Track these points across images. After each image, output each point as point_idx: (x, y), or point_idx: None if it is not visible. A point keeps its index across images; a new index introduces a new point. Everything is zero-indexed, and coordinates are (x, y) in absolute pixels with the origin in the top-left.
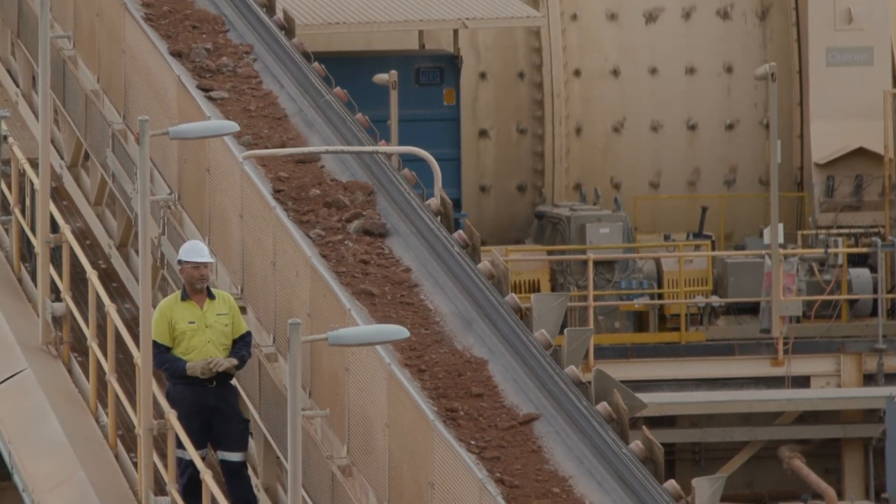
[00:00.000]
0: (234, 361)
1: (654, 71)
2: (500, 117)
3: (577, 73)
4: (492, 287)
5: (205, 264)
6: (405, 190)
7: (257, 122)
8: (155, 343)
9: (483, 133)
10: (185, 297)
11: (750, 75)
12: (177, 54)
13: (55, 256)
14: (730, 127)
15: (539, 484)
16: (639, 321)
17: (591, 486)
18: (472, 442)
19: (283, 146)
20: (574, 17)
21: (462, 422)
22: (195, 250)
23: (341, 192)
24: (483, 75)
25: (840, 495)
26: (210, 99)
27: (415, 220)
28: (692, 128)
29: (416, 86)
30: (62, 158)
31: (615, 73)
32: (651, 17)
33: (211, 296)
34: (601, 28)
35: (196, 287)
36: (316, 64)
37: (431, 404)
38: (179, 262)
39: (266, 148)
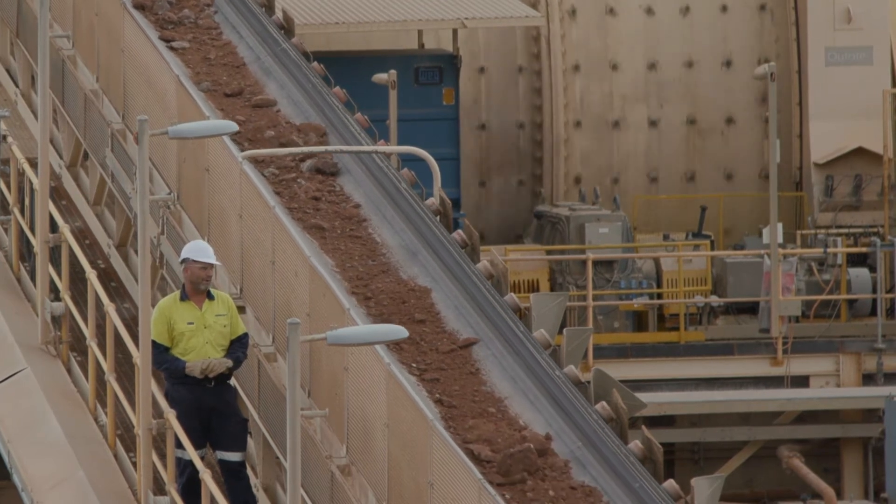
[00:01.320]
0: (229, 363)
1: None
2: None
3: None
4: (437, 221)
5: (211, 265)
6: (357, 132)
7: (216, 69)
8: (154, 343)
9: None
10: (184, 298)
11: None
12: (140, 7)
13: (54, 256)
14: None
15: (476, 404)
16: (638, 321)
17: (524, 405)
18: (414, 365)
19: (241, 92)
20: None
21: (404, 346)
22: (203, 250)
23: (295, 134)
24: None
25: (839, 495)
26: (171, 49)
27: (365, 159)
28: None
29: (415, 85)
30: (61, 158)
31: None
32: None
33: (210, 296)
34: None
35: (199, 287)
36: (315, 64)
37: None
38: (185, 260)
39: (223, 94)
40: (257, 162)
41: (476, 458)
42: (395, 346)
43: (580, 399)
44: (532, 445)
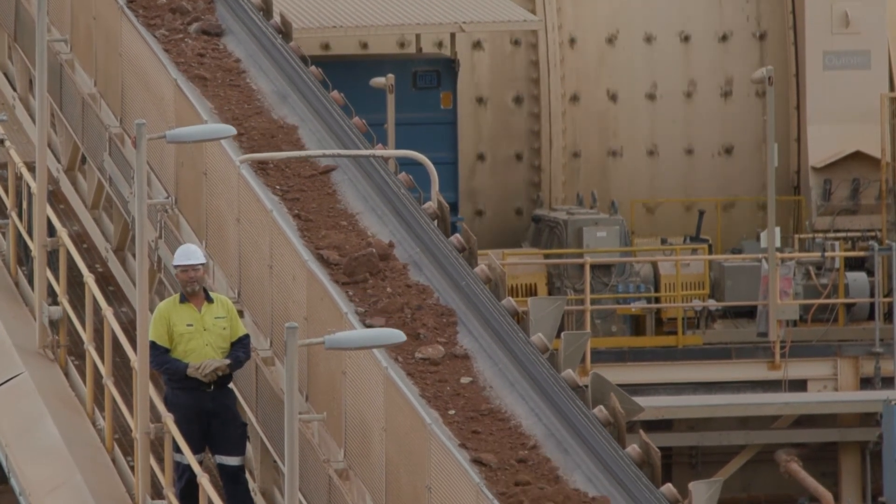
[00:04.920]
0: (227, 362)
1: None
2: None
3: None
4: (305, 67)
5: (194, 266)
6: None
7: None
8: (154, 344)
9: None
10: (183, 300)
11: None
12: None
13: (52, 260)
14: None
15: (330, 219)
16: (636, 325)
17: (373, 220)
18: (278, 187)
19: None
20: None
21: (271, 172)
22: (183, 254)
23: (185, 0)
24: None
25: (837, 499)
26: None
27: (247, 21)
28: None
29: (413, 89)
30: (59, 162)
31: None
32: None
33: (209, 299)
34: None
35: (188, 290)
36: (313, 68)
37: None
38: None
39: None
40: (149, 26)
41: (325, 262)
42: (261, 170)
43: (419, 212)
44: (375, 251)
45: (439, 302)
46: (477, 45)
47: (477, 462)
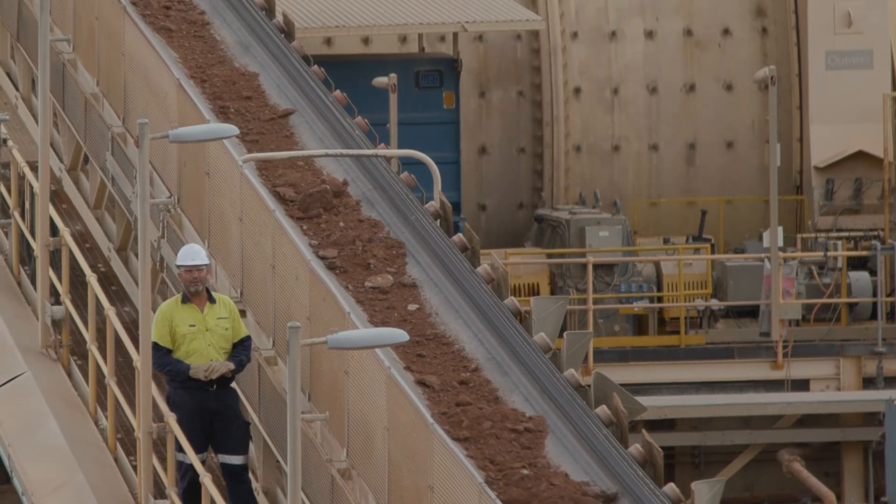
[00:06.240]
0: (231, 365)
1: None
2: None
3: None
4: (266, 19)
5: (197, 267)
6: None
7: None
8: (156, 345)
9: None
10: (185, 300)
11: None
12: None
13: (55, 260)
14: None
15: (288, 159)
16: (638, 324)
17: (328, 160)
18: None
19: None
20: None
21: (232, 116)
22: (187, 254)
23: None
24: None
25: (839, 499)
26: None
27: None
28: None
29: (415, 89)
30: (62, 162)
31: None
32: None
33: (211, 299)
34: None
35: (192, 290)
36: (315, 67)
37: (207, 104)
38: (177, 266)
39: None
40: None
41: (282, 198)
42: (221, 113)
43: (361, 137)
44: (329, 188)
45: (389, 235)
46: (479, 37)
47: (420, 384)
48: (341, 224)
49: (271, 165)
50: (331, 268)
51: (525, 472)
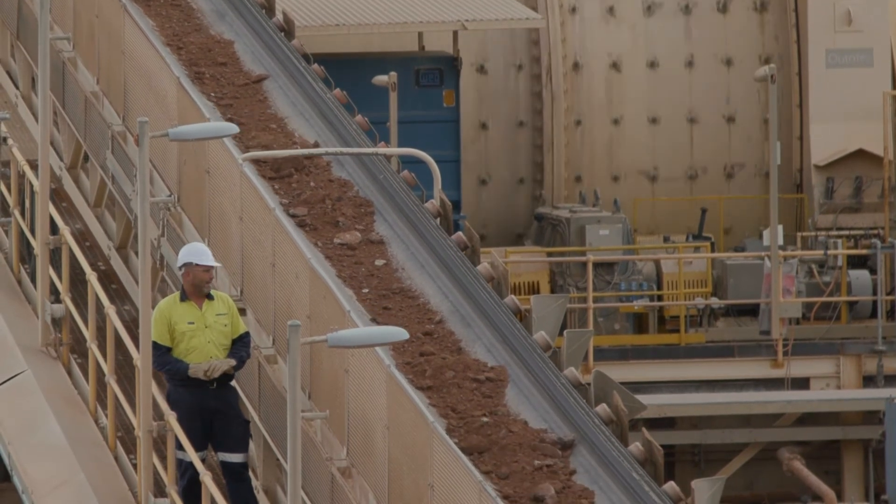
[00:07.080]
0: (232, 362)
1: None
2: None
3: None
4: None
5: (213, 267)
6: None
7: None
8: (155, 344)
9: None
10: (183, 298)
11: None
12: None
13: (55, 258)
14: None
15: (260, 122)
16: (638, 323)
17: (300, 123)
18: (213, 94)
19: None
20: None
21: (207, 81)
22: (204, 253)
23: None
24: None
25: (840, 497)
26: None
27: None
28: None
29: (415, 87)
30: (62, 160)
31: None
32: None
33: (210, 296)
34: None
35: (203, 290)
36: (315, 65)
37: (183, 70)
38: (188, 264)
39: None
40: None
41: (254, 159)
42: (197, 79)
43: (343, 114)
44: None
45: (358, 194)
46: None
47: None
48: (312, 184)
49: (245, 128)
50: (301, 225)
51: (485, 419)
